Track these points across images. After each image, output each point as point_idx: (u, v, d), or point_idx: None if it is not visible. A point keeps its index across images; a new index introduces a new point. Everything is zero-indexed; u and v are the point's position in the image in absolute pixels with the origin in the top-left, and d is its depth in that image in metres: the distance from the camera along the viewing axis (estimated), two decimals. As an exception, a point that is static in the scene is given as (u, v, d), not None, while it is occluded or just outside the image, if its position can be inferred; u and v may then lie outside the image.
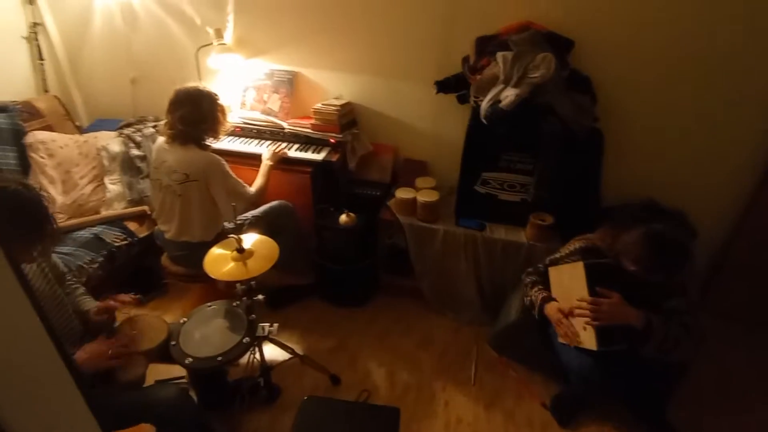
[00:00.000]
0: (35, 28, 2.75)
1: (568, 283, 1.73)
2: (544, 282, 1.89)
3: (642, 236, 1.54)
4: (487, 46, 2.09)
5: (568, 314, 1.71)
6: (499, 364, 2.21)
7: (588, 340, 1.61)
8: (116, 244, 2.33)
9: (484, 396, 2.05)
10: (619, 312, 1.56)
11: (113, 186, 2.55)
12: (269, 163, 2.28)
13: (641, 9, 1.98)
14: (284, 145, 2.48)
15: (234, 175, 2.03)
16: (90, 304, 1.51)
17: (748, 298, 2.38)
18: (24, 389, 0.50)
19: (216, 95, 1.99)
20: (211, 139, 2.03)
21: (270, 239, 1.78)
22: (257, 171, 2.28)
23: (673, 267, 1.54)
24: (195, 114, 1.91)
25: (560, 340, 1.75)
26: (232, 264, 1.61)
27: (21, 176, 1.63)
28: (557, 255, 1.89)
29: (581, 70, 2.09)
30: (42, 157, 2.49)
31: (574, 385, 1.89)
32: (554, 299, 1.81)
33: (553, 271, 1.84)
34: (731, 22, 1.93)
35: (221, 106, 2.01)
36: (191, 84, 1.95)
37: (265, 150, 2.39)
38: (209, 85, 2.72)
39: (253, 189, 2.13)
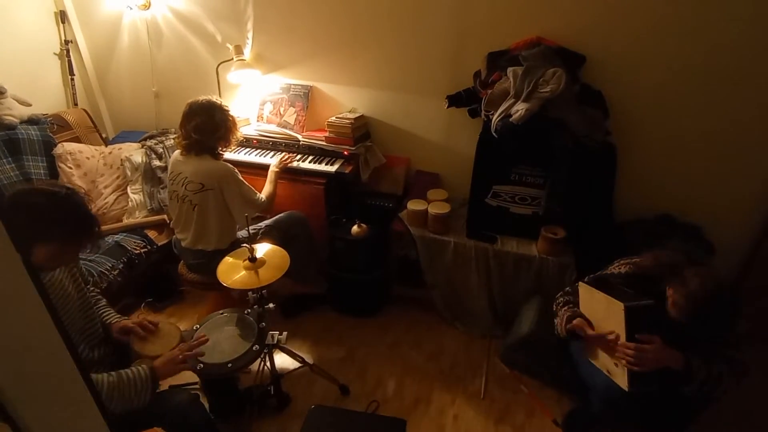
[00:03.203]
0: (67, 45, 2.91)
1: (603, 313, 1.60)
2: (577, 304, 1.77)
3: (696, 290, 1.40)
4: (498, 61, 2.12)
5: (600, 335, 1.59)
6: (510, 378, 2.18)
7: (620, 377, 1.52)
8: (136, 251, 2.42)
9: (494, 411, 2.03)
10: (659, 357, 1.45)
11: (135, 195, 2.65)
12: (275, 169, 2.35)
13: (653, 23, 1.98)
14: (298, 157, 2.54)
15: (246, 183, 2.10)
16: (112, 317, 1.56)
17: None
18: (39, 393, 0.54)
19: (227, 106, 2.08)
20: (223, 148, 2.11)
21: (282, 249, 1.82)
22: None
23: (717, 325, 1.46)
24: (208, 123, 1.98)
25: (589, 358, 1.67)
26: (243, 272, 1.65)
27: (58, 181, 1.70)
28: (599, 273, 1.75)
29: (593, 85, 2.10)
30: (69, 168, 2.61)
31: (594, 405, 1.81)
32: (581, 315, 1.69)
33: (584, 289, 1.68)
34: (750, 30, 1.89)
35: (232, 117, 2.09)
36: (203, 97, 2.03)
37: (273, 159, 2.46)
38: (229, 98, 2.83)
39: (263, 195, 2.20)
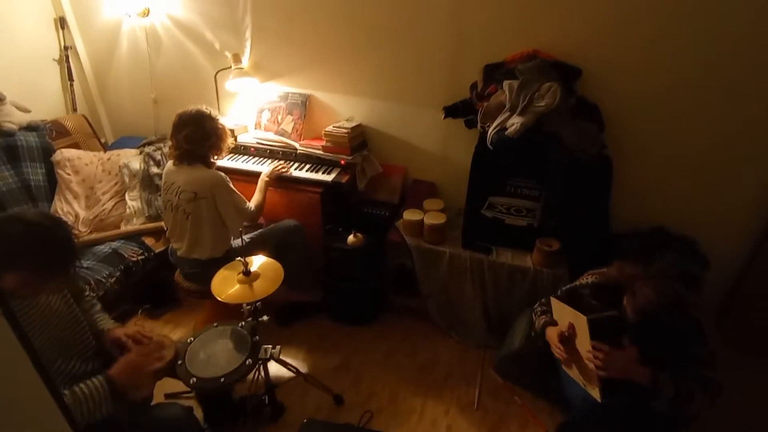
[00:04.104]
0: (66, 51, 2.92)
1: (572, 324, 1.65)
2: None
3: (643, 302, 1.46)
4: (494, 73, 2.13)
5: (569, 337, 1.64)
6: (504, 389, 2.19)
7: (593, 389, 1.56)
8: (133, 259, 2.43)
9: (487, 422, 2.04)
10: (627, 366, 1.48)
11: (133, 202, 2.66)
12: (266, 178, 2.36)
13: (650, 36, 1.98)
14: (295, 165, 2.55)
15: (237, 192, 2.11)
16: (106, 323, 1.57)
17: (764, 328, 2.31)
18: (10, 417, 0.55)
19: (216, 115, 2.09)
20: (215, 156, 2.13)
21: (276, 262, 1.83)
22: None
23: (677, 339, 1.50)
24: (198, 133, 2.00)
25: (564, 368, 1.72)
26: (237, 286, 1.66)
27: (47, 211, 1.61)
28: (569, 286, 1.83)
29: (589, 98, 2.10)
30: (68, 174, 2.62)
31: (576, 414, 1.86)
32: (556, 324, 1.75)
33: (555, 303, 1.76)
34: (748, 47, 1.90)
35: (222, 125, 2.11)
36: (192, 107, 2.05)
37: (267, 167, 2.47)
38: (227, 106, 2.84)
39: (252, 205, 2.21)
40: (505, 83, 2.00)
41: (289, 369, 2.04)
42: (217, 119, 2.08)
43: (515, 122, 1.93)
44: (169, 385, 1.94)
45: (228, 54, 2.61)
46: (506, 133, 1.94)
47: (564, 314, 1.69)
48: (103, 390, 1.28)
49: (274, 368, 2.10)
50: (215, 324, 1.77)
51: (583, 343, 1.55)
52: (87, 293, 1.65)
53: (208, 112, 2.06)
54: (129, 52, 2.94)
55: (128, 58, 2.97)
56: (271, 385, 1.92)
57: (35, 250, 1.20)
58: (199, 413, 1.88)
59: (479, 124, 2.15)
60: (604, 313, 1.51)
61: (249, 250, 2.16)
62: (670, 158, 2.19)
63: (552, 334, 1.71)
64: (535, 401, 2.13)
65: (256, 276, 1.70)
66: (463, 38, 2.24)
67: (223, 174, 2.06)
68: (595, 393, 1.53)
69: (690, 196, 2.25)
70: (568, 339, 1.64)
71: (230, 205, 2.06)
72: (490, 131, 2.03)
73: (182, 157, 2.02)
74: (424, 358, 2.38)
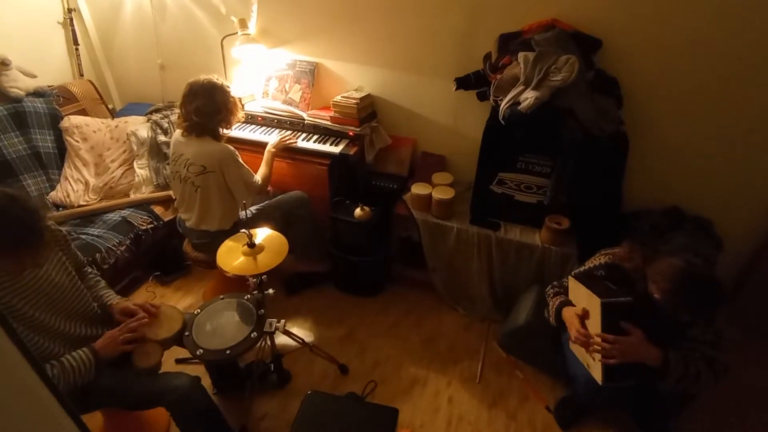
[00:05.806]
0: (70, 13, 2.85)
1: (585, 305, 1.63)
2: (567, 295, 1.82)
3: (676, 271, 1.41)
4: (509, 44, 2.03)
5: (583, 316, 1.63)
6: (507, 363, 2.22)
7: (595, 370, 1.55)
8: (143, 227, 2.45)
9: (488, 395, 2.08)
10: (636, 351, 1.47)
11: (141, 170, 2.66)
12: (272, 149, 2.32)
13: (674, 8, 1.87)
14: (303, 136, 2.51)
15: (245, 166, 2.09)
16: (112, 298, 1.61)
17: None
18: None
19: (228, 87, 2.04)
20: (224, 129, 2.09)
21: (280, 235, 1.83)
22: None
23: (702, 311, 1.47)
24: (209, 105, 1.96)
25: (571, 347, 1.71)
26: (242, 258, 1.67)
27: (11, 188, 1.54)
28: (581, 269, 1.79)
29: (608, 71, 2.01)
30: (76, 141, 2.62)
31: (579, 392, 1.88)
32: (572, 304, 1.73)
33: (572, 282, 1.73)
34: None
35: (233, 98, 2.06)
36: (204, 76, 1.99)
37: (273, 137, 2.44)
38: (234, 72, 2.78)
39: (258, 177, 2.19)
40: (520, 55, 1.91)
41: (295, 340, 2.08)
42: (229, 92, 2.03)
43: (529, 97, 1.85)
44: (179, 351, 2.01)
45: (234, 19, 2.52)
46: (519, 107, 1.88)
47: (580, 294, 1.66)
48: (91, 362, 1.38)
49: (281, 337, 2.15)
50: (221, 296, 1.79)
51: (594, 325, 1.54)
52: (89, 271, 1.67)
53: (220, 83, 2.00)
54: (134, 15, 2.86)
55: (133, 22, 2.90)
56: (278, 354, 1.97)
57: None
58: (207, 379, 1.95)
59: (492, 97, 2.08)
60: (619, 298, 1.49)
61: (256, 221, 2.17)
62: (691, 137, 2.11)
63: (570, 314, 1.67)
64: (536, 376, 2.16)
65: (261, 248, 1.71)
66: (478, 6, 2.13)
67: (231, 148, 2.03)
68: (597, 375, 1.53)
69: (708, 177, 2.17)
70: (581, 320, 1.62)
71: (239, 179, 2.04)
72: (503, 105, 1.96)
73: (191, 128, 1.99)
74: (428, 330, 2.41)
